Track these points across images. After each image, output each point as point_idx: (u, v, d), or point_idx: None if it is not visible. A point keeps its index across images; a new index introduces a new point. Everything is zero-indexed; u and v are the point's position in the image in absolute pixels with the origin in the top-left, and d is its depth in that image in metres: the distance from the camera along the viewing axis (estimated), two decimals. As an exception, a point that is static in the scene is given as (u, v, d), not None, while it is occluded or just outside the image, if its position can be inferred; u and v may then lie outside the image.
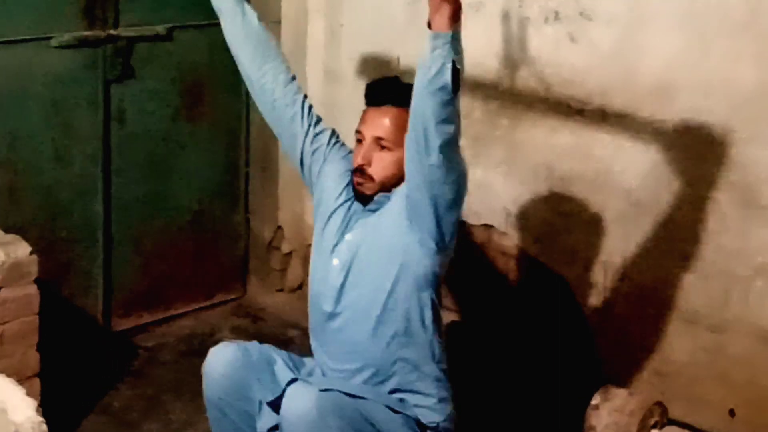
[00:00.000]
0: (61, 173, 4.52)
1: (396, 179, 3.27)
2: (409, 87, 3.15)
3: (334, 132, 3.54)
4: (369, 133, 3.29)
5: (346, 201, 3.41)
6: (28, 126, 4.37)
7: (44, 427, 2.63)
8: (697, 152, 3.91)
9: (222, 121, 5.08)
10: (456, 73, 2.96)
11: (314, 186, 3.50)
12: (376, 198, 3.35)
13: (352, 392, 3.13)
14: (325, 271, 3.37)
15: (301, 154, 3.49)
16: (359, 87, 4.63)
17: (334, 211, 3.41)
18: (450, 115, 3.03)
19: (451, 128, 3.05)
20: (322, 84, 5.13)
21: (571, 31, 4.17)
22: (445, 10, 2.89)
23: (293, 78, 3.50)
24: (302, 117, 3.49)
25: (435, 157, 3.05)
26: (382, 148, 3.26)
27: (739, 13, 3.73)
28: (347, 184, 3.44)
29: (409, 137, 3.11)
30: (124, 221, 4.79)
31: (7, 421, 2.55)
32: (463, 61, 3.03)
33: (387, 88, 3.34)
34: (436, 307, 3.31)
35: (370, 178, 3.29)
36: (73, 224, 4.62)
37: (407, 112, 3.15)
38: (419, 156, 3.08)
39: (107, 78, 4.56)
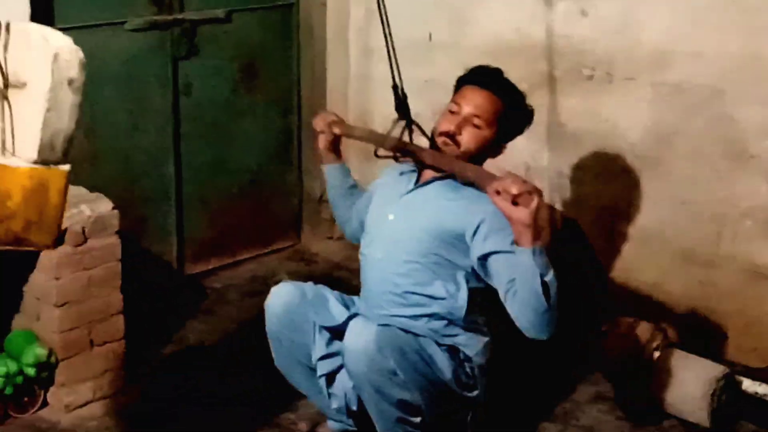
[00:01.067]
0: (137, 140, 4.55)
1: (474, 154, 3.25)
2: (511, 85, 3.25)
3: (367, 192, 3.64)
4: (467, 108, 3.25)
5: (402, 177, 3.42)
6: (108, 100, 4.38)
7: (81, 54, 2.61)
8: (692, 111, 3.97)
9: (275, 92, 5.07)
10: (547, 286, 2.93)
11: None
12: (438, 175, 3.34)
13: (407, 328, 3.14)
14: (380, 223, 3.37)
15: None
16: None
17: (392, 183, 3.45)
18: (548, 322, 3.00)
19: (547, 330, 3.02)
20: (361, 59, 5.10)
21: (581, 6, 4.20)
22: (527, 236, 2.88)
23: (361, 200, 3.61)
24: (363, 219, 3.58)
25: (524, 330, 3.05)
26: (474, 125, 3.22)
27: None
28: (399, 174, 3.46)
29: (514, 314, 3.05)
30: (193, 181, 4.82)
31: (48, 45, 2.52)
32: (552, 273, 2.97)
33: (494, 76, 3.31)
34: (470, 284, 3.24)
35: (457, 144, 3.25)
36: (149, 184, 4.66)
37: (502, 103, 3.20)
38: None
39: (175, 56, 4.59)
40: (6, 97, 2.51)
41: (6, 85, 2.51)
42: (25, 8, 3.83)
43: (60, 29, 3.97)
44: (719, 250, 4.02)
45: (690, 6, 3.91)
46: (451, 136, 3.25)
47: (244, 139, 5.00)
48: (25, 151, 2.50)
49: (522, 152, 4.36)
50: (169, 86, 4.62)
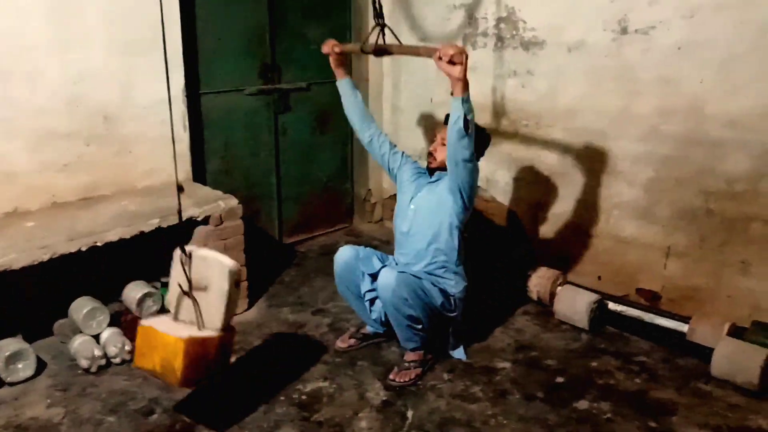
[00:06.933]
0: (254, 162, 4.71)
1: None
2: None
3: (403, 153, 3.60)
4: (440, 136, 3.38)
5: (417, 178, 3.50)
6: (235, 137, 4.56)
7: (243, 268, 2.83)
8: (587, 145, 4.12)
9: (338, 134, 5.18)
10: (467, 122, 3.03)
11: (396, 178, 3.58)
12: (436, 173, 3.40)
13: (415, 274, 3.31)
14: (405, 211, 3.48)
15: (388, 165, 3.60)
16: (412, 116, 4.98)
17: (411, 183, 3.51)
18: (466, 145, 3.10)
19: (466, 152, 3.12)
20: (391, 115, 5.22)
21: (522, 82, 4.36)
22: (459, 87, 2.98)
23: (381, 132, 3.58)
24: (387, 150, 3.57)
25: (460, 165, 3.16)
26: (444, 145, 3.31)
27: (612, 68, 3.92)
28: (417, 171, 3.54)
29: (447, 154, 3.19)
30: (287, 187, 4.97)
31: (223, 265, 2.78)
32: (472, 114, 3.04)
33: None
34: (461, 237, 3.39)
35: (435, 159, 3.39)
36: (261, 189, 4.80)
37: None
38: (451, 164, 3.18)
39: (276, 111, 4.74)
40: (193, 297, 2.81)
41: (190, 289, 2.81)
42: (181, 81, 3.91)
43: (205, 93, 4.43)
44: (599, 228, 4.18)
45: (588, 81, 4.02)
46: (432, 154, 3.45)
47: (319, 162, 5.14)
48: (212, 325, 2.83)
49: (485, 170, 4.54)
50: (273, 130, 4.77)
